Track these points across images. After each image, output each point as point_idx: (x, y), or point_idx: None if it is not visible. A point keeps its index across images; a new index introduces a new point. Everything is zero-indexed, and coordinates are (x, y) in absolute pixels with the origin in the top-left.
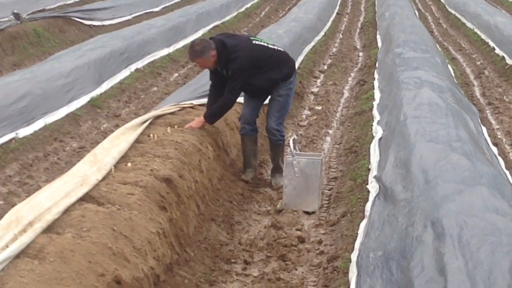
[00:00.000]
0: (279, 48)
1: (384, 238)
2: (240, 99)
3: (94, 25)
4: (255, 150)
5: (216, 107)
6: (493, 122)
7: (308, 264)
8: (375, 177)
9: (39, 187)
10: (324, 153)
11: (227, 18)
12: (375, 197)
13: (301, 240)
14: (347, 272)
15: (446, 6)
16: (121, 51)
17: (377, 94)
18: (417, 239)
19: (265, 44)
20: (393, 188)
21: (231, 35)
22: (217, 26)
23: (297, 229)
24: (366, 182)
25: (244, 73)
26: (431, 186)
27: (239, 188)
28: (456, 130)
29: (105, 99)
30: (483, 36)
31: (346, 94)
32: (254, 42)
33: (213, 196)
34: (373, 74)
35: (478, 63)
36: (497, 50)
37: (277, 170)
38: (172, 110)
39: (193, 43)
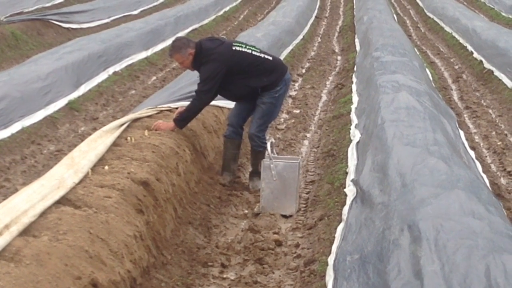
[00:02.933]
0: (266, 56)
1: (361, 242)
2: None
3: (72, 28)
4: (236, 155)
5: (184, 111)
6: (471, 126)
7: (285, 268)
8: (352, 180)
9: (16, 190)
10: (302, 157)
11: (206, 21)
12: (352, 201)
13: (278, 243)
14: (324, 276)
15: (425, 10)
16: (99, 54)
17: (355, 98)
18: (394, 242)
19: (248, 51)
20: (371, 192)
21: (214, 39)
22: (195, 29)
23: (274, 233)
24: (343, 185)
25: (214, 78)
26: (408, 189)
27: (216, 191)
28: (434, 134)
29: (83, 102)
30: (461, 40)
31: (324, 97)
32: (234, 48)
33: (191, 199)
34: (351, 77)
35: (456, 67)
36: (475, 54)
37: (255, 174)
38: (149, 113)
39: (174, 40)
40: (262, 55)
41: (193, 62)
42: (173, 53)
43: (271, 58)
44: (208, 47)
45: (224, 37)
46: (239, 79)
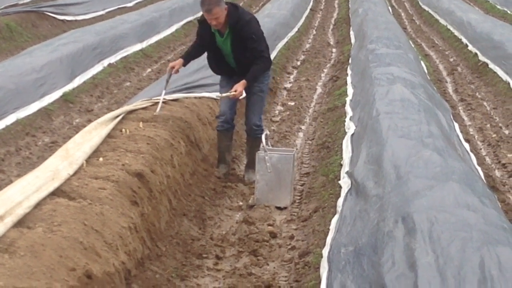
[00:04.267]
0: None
1: (355, 234)
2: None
3: (67, 20)
4: (230, 146)
5: (255, 72)
6: (465, 118)
7: (280, 260)
8: (347, 172)
9: (11, 182)
10: (297, 149)
11: (201, 13)
12: (347, 193)
13: (273, 235)
14: (319, 268)
15: (420, 2)
16: (94, 46)
17: (350, 90)
18: (388, 234)
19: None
20: (365, 184)
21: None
22: (190, 21)
23: (269, 225)
24: (338, 177)
25: (263, 34)
26: (403, 181)
27: (211, 183)
28: (428, 126)
29: (77, 94)
30: (456, 33)
31: (319, 90)
32: None
33: (185, 191)
34: (346, 70)
35: (451, 59)
36: (470, 47)
37: (251, 165)
38: (144, 105)
39: None
40: None
41: (227, 20)
42: (213, 6)
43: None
44: (243, 9)
45: None
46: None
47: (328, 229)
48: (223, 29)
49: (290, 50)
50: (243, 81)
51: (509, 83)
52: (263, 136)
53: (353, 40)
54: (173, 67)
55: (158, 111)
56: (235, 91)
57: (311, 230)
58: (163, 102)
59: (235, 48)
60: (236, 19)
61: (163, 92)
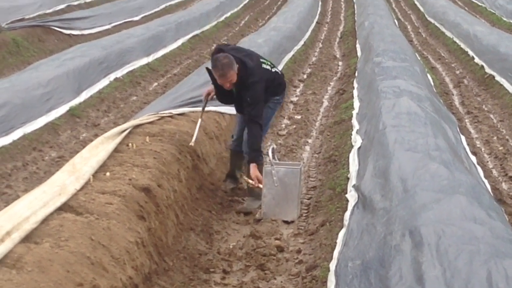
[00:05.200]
0: (277, 70)
1: (362, 247)
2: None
3: (73, 34)
4: (241, 165)
5: (251, 144)
6: (472, 131)
7: (287, 273)
8: (354, 186)
9: (18, 197)
10: (303, 162)
11: (207, 27)
12: (354, 206)
13: (280, 249)
14: (326, 281)
15: (426, 15)
16: (100, 60)
17: (356, 103)
18: (395, 248)
19: (269, 68)
20: (372, 197)
21: (244, 53)
22: (196, 35)
23: (276, 238)
24: (345, 191)
25: (262, 99)
26: (410, 195)
27: (218, 197)
28: (435, 139)
29: (84, 109)
30: (462, 45)
31: (326, 103)
32: (263, 66)
33: (192, 206)
34: (353, 83)
35: (458, 72)
36: (477, 59)
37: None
38: (151, 120)
39: (216, 58)
40: (274, 70)
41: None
42: (227, 70)
43: (279, 72)
44: (251, 65)
45: (224, 39)
46: None
47: (335, 242)
48: (236, 85)
49: (296, 63)
50: (252, 165)
51: None
52: (269, 150)
53: (359, 53)
54: (209, 94)
55: (194, 140)
56: (253, 178)
57: (318, 244)
58: (169, 117)
59: (239, 96)
60: (244, 78)
61: (199, 120)
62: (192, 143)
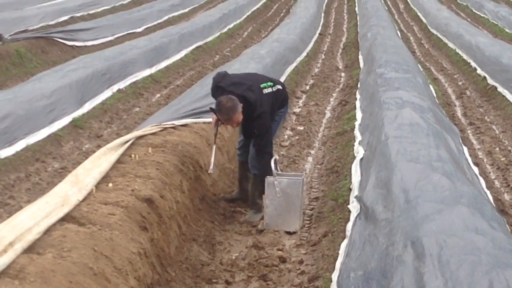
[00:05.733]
0: (279, 87)
1: (364, 258)
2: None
3: (76, 46)
4: (248, 176)
5: (263, 172)
6: (474, 142)
7: (289, 284)
8: (356, 197)
9: (21, 208)
10: (306, 173)
11: (210, 38)
12: (356, 217)
13: (282, 260)
14: None
15: (428, 26)
16: (103, 71)
17: (358, 114)
18: (397, 258)
19: (270, 91)
20: (374, 208)
21: (245, 87)
22: (199, 46)
23: (278, 249)
24: (347, 202)
25: (269, 127)
26: (412, 206)
27: (220, 208)
28: (437, 150)
29: (87, 120)
30: (464, 57)
31: (328, 114)
32: (264, 91)
33: (195, 216)
34: (355, 94)
35: (460, 83)
36: (479, 71)
37: (251, 203)
38: (153, 131)
39: (220, 102)
40: (276, 88)
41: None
42: (233, 115)
43: (281, 88)
44: (254, 99)
45: (227, 50)
46: None
47: (338, 253)
48: (243, 121)
49: (299, 74)
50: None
51: None
52: (272, 161)
53: (362, 65)
54: (218, 120)
55: (212, 168)
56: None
57: (320, 255)
58: (172, 128)
59: (247, 126)
60: (249, 113)
61: (214, 147)
62: (210, 171)
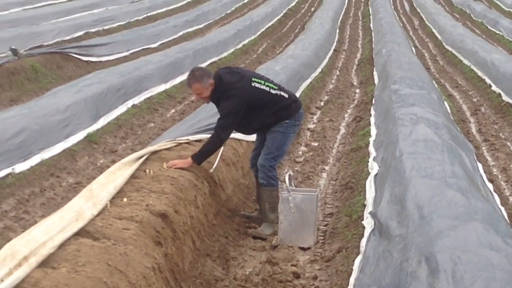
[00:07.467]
0: (282, 94)
1: (378, 274)
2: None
3: (91, 61)
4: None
5: (203, 146)
6: (489, 158)
7: None
8: (370, 213)
9: (35, 222)
10: (320, 189)
11: (225, 54)
12: (370, 233)
13: (296, 275)
14: None
15: (443, 43)
16: (118, 87)
17: (373, 131)
18: (412, 274)
19: (266, 89)
20: (388, 224)
21: (233, 71)
22: (214, 62)
23: (293, 265)
24: (361, 218)
25: (235, 114)
26: (426, 221)
27: (234, 223)
28: (452, 167)
29: (101, 135)
30: (479, 73)
31: (343, 130)
32: (253, 84)
33: (209, 232)
34: (370, 110)
35: (475, 100)
36: (494, 87)
37: (262, 216)
38: (168, 146)
39: (193, 69)
40: (279, 93)
41: (211, 94)
42: (192, 82)
43: (286, 96)
44: (229, 80)
45: (242, 66)
46: (254, 115)
47: (352, 269)
48: (213, 98)
49: (313, 90)
50: (188, 159)
51: None
52: (286, 177)
53: (376, 81)
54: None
55: (214, 168)
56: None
57: (334, 271)
58: (186, 143)
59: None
60: (219, 94)
61: (221, 149)
62: (212, 170)
